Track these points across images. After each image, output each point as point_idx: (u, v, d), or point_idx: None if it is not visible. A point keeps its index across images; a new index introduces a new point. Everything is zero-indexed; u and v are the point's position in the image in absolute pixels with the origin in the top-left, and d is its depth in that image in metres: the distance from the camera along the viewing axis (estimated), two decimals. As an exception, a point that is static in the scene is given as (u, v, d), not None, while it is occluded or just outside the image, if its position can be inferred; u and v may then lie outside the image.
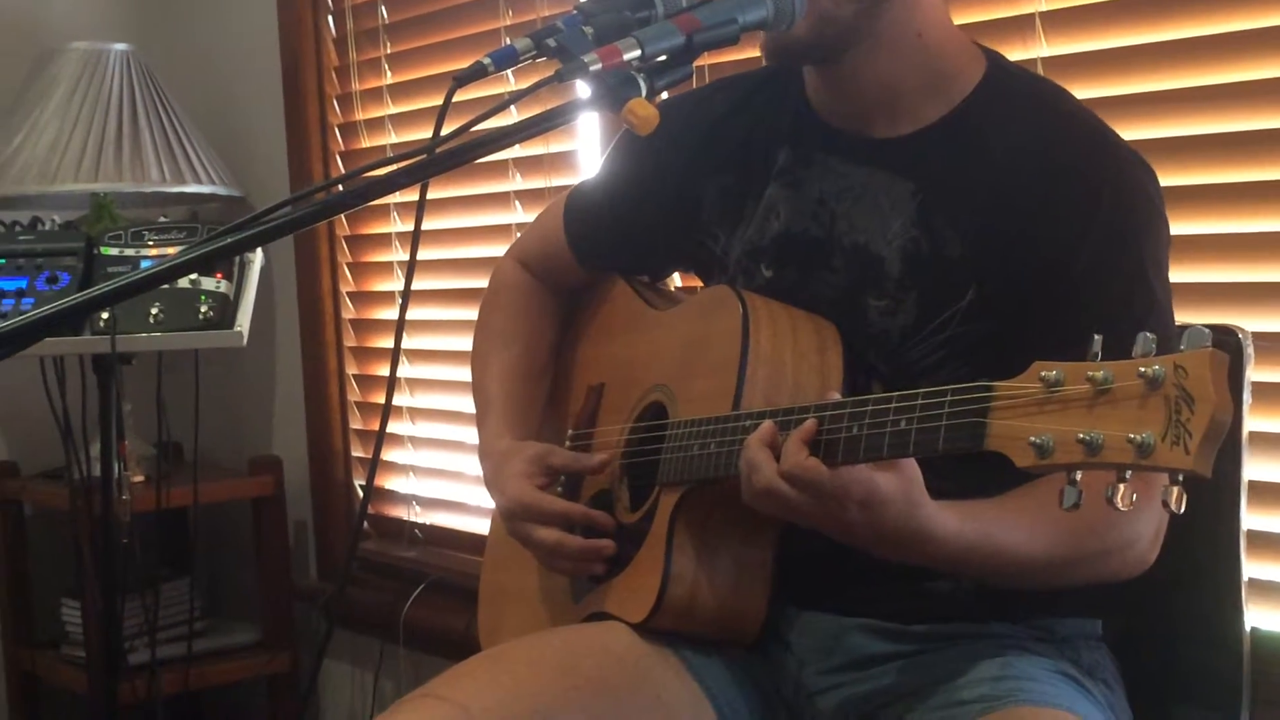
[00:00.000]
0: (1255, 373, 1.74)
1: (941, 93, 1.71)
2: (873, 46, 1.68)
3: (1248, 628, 1.75)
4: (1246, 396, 1.71)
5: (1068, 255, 1.60)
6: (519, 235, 2.18)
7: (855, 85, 1.73)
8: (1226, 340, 1.69)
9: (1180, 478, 1.18)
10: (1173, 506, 1.19)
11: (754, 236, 1.80)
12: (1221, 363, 1.17)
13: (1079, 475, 1.23)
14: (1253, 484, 1.80)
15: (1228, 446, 1.67)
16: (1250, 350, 1.71)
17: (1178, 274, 1.98)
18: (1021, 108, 1.69)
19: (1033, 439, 1.24)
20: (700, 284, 1.97)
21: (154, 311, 2.89)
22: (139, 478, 3.46)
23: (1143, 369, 1.18)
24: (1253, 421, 1.78)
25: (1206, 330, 1.18)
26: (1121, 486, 1.20)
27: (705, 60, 2.15)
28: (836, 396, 1.51)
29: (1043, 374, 1.25)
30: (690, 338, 1.80)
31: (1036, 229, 1.62)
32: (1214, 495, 1.69)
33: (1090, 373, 1.21)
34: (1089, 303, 1.57)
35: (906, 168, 1.70)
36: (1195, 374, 1.16)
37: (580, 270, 2.05)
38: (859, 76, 1.71)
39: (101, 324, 2.86)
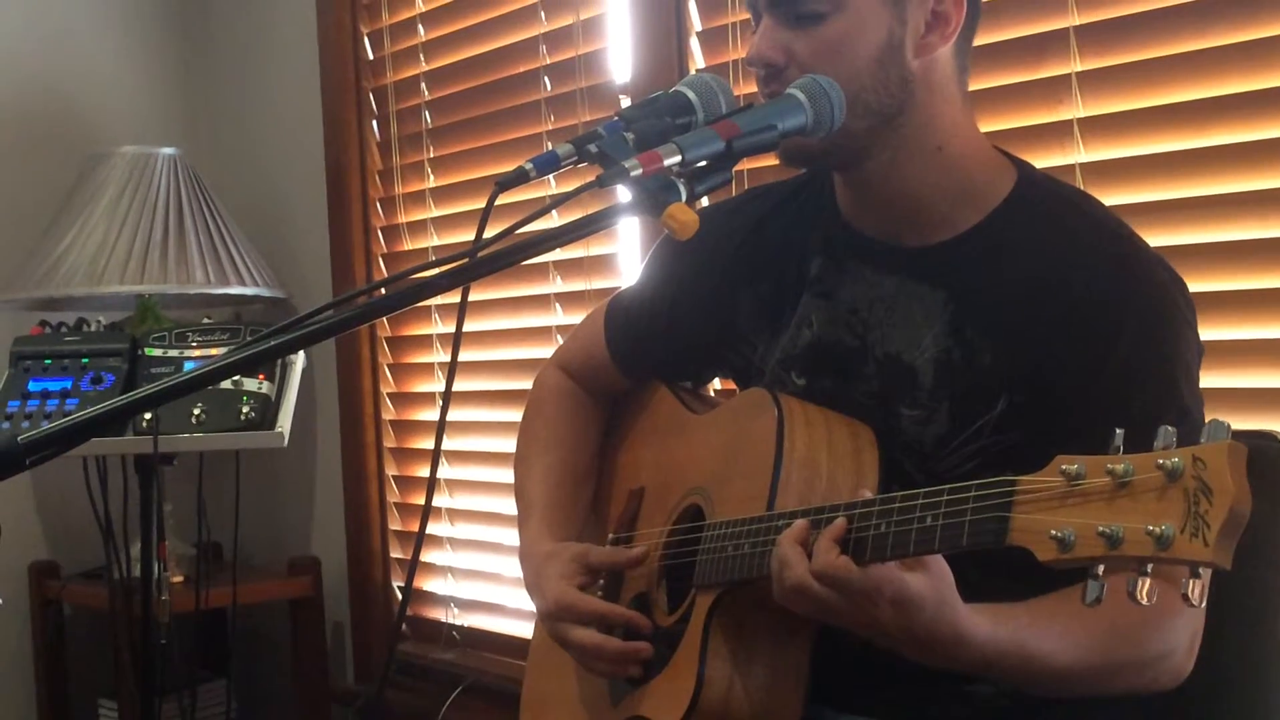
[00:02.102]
0: (1297, 480, 1.72)
1: (970, 204, 1.71)
2: (892, 159, 1.70)
3: (1292, 739, 1.72)
4: (1289, 504, 1.69)
5: (1096, 366, 1.59)
6: (562, 342, 2.20)
7: (881, 196, 1.74)
8: (1266, 446, 1.68)
9: (1200, 570, 1.17)
10: (1193, 600, 1.18)
11: (787, 345, 1.81)
12: (1240, 454, 1.17)
13: (1101, 569, 1.22)
14: (1297, 592, 1.78)
15: (1268, 555, 1.67)
16: (1292, 458, 1.70)
17: (1218, 379, 1.98)
18: (1050, 218, 1.68)
19: (1054, 533, 1.24)
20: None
21: (196, 412, 2.91)
22: (178, 578, 3.47)
23: (1161, 461, 1.18)
24: (1296, 528, 1.76)
25: (1226, 423, 1.18)
26: (1142, 580, 1.19)
27: (745, 165, 2.18)
28: (868, 495, 1.51)
29: (1064, 467, 1.25)
30: (727, 441, 1.80)
31: (1065, 340, 1.61)
32: (1255, 604, 1.67)
33: (1110, 465, 1.21)
34: (1118, 414, 1.54)
35: (938, 278, 1.70)
36: (1213, 466, 1.16)
37: (621, 376, 2.06)
38: (883, 188, 1.72)
39: (144, 425, 2.88)
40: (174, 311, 3.64)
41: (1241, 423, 1.77)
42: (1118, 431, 1.23)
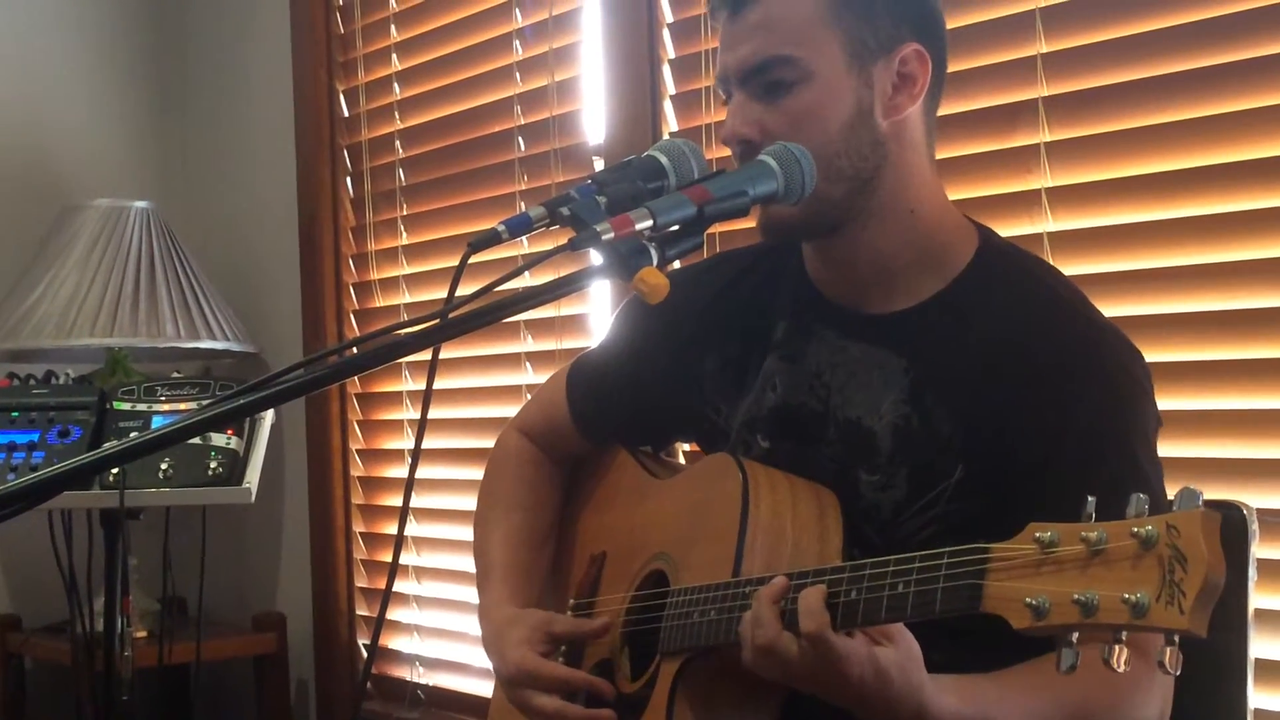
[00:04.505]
0: (1260, 549, 1.73)
1: (935, 269, 1.72)
2: (865, 223, 1.71)
3: (1258, 810, 1.72)
4: (1252, 573, 1.69)
5: (1055, 438, 1.60)
6: (522, 406, 2.20)
7: (851, 261, 1.75)
8: (1231, 516, 1.68)
9: (1176, 638, 1.18)
10: (1168, 667, 1.19)
11: (752, 407, 1.82)
12: (1213, 522, 1.17)
13: (1076, 637, 1.22)
14: (1259, 662, 1.78)
15: (1234, 624, 1.67)
16: (1255, 526, 1.70)
17: (1183, 449, 2.00)
18: (1010, 288, 1.70)
19: (1029, 600, 1.24)
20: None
21: (164, 467, 2.89)
22: (142, 633, 3.44)
23: (1136, 529, 1.18)
24: (1259, 599, 1.76)
25: (1198, 491, 1.19)
26: (1118, 648, 1.20)
27: (716, 229, 2.19)
28: (837, 562, 1.51)
29: (1037, 535, 1.25)
30: (691, 505, 1.80)
31: (1021, 412, 1.62)
32: (1220, 673, 1.68)
33: (1084, 533, 1.22)
34: (1077, 487, 1.54)
35: (899, 344, 1.71)
36: (1187, 534, 1.16)
37: (583, 440, 2.06)
38: (854, 252, 1.73)
39: (110, 479, 2.86)
40: (144, 365, 3.63)
41: (1210, 493, 1.77)
42: (1090, 499, 1.24)
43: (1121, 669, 1.20)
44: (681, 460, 2.39)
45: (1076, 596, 1.20)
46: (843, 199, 1.68)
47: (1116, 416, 1.61)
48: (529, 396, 2.95)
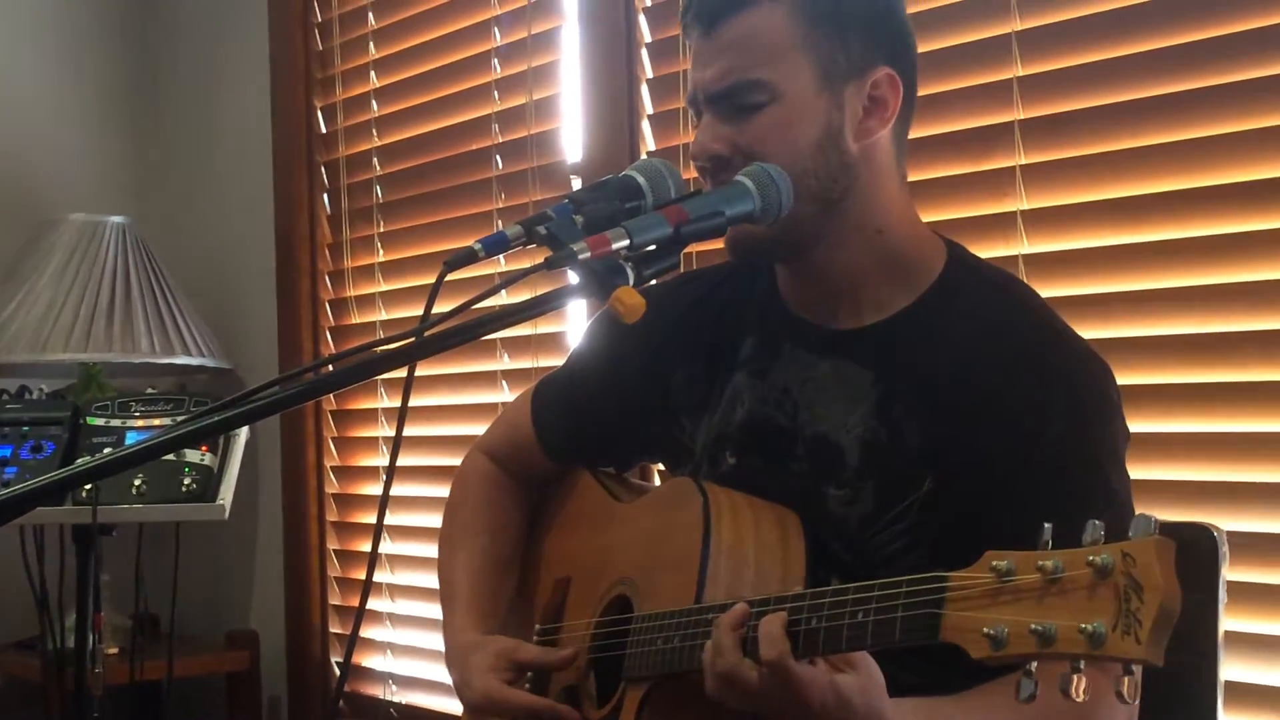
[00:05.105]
0: (1230, 572, 1.74)
1: (903, 285, 1.73)
2: (835, 243, 1.71)
3: (1227, 832, 1.72)
4: (1222, 595, 1.70)
5: (1021, 450, 1.60)
6: (488, 427, 2.19)
7: (820, 279, 1.75)
8: (1202, 539, 1.69)
9: (1133, 667, 1.18)
10: (1125, 696, 1.19)
11: (720, 424, 1.82)
12: (1168, 549, 1.17)
13: (1034, 666, 1.22)
14: (1229, 684, 1.79)
15: (1204, 646, 1.68)
16: (1225, 549, 1.71)
17: (1155, 473, 2.00)
18: (978, 302, 1.70)
19: (987, 630, 1.23)
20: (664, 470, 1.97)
21: (137, 483, 2.89)
22: (113, 650, 3.42)
23: (1091, 557, 1.18)
24: (1229, 621, 1.77)
25: (1153, 517, 1.18)
26: (1077, 678, 1.19)
27: (693, 249, 2.20)
28: (798, 589, 1.51)
29: (994, 564, 1.25)
30: (653, 531, 1.79)
31: (989, 423, 1.62)
32: (1190, 696, 1.68)
33: (1041, 562, 1.21)
34: (1045, 498, 1.55)
35: (867, 358, 1.72)
36: (1142, 562, 1.16)
37: (547, 461, 2.05)
38: (823, 271, 1.74)
39: (84, 495, 2.85)
40: (118, 380, 3.62)
41: (1181, 516, 1.78)
42: (1046, 526, 1.23)
43: (1080, 699, 1.20)
44: (657, 480, 2.38)
45: (1034, 626, 1.20)
46: (811, 218, 1.68)
47: (1085, 428, 1.62)
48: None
